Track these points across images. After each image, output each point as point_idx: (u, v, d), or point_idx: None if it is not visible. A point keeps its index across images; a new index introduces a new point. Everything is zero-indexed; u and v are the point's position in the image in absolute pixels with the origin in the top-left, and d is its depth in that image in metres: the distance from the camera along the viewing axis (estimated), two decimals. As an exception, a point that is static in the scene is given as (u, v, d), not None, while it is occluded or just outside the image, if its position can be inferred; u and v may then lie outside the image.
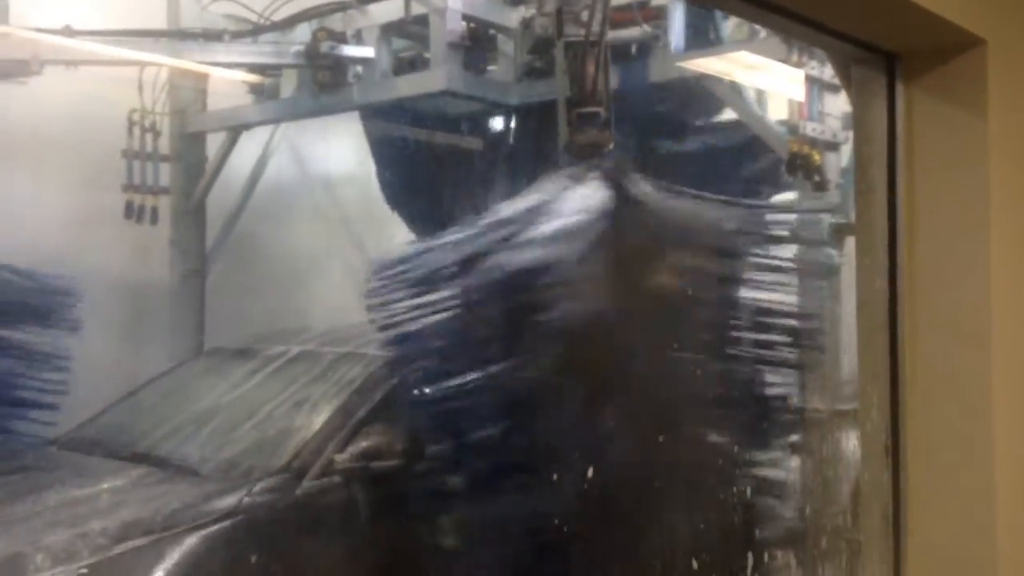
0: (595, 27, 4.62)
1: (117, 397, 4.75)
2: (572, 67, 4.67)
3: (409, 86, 5.68)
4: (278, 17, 5.93)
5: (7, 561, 3.06)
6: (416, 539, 3.62)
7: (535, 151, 6.24)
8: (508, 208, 3.99)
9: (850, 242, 4.94)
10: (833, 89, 4.76)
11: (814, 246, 4.82)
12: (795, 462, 3.91)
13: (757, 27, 5.06)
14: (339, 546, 3.59)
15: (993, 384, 2.55)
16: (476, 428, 3.69)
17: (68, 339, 5.31)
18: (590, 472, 3.40)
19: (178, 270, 6.53)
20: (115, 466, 3.88)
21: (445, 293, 3.80)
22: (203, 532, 3.30)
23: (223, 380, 4.50)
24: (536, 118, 6.03)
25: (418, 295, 3.85)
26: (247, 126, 6.50)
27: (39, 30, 5.20)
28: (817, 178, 4.79)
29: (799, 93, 4.74)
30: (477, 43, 5.51)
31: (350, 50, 5.68)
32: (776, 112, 5.12)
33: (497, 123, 6.44)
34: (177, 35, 5.86)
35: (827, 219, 4.81)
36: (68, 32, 5.13)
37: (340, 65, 5.71)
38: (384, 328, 3.89)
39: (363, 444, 3.71)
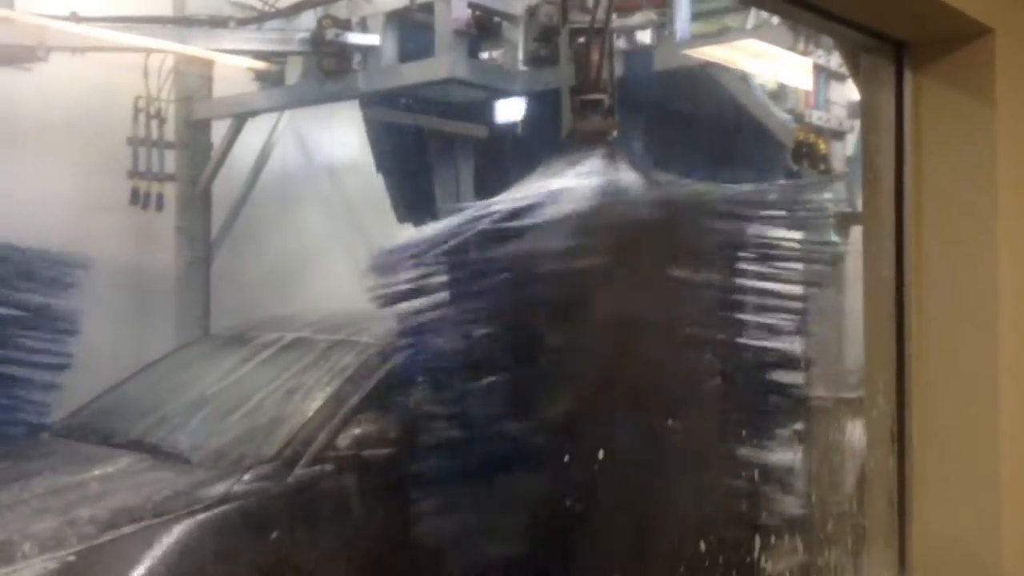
0: (600, 14, 4.62)
1: (113, 384, 4.75)
2: (576, 55, 4.67)
3: (414, 74, 5.68)
4: (283, 4, 5.93)
5: None
6: (409, 526, 3.57)
7: (539, 139, 6.26)
8: (508, 193, 3.98)
9: (855, 231, 4.97)
10: (839, 78, 4.76)
11: (816, 237, 4.83)
12: (801, 449, 3.93)
13: (762, 14, 5.08)
14: (331, 534, 3.58)
15: (999, 371, 2.57)
16: (475, 414, 3.69)
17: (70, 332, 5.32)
18: (597, 457, 3.40)
19: (184, 257, 6.55)
20: (106, 453, 3.86)
21: (445, 276, 3.80)
22: (193, 520, 3.29)
23: (216, 367, 4.49)
24: (540, 106, 6.05)
25: (420, 277, 3.85)
26: (252, 113, 6.50)
27: (45, 16, 5.19)
28: (822, 166, 4.80)
29: (805, 81, 4.74)
30: (482, 31, 5.51)
31: (355, 37, 5.68)
32: (782, 100, 5.13)
33: (501, 110, 6.45)
34: (183, 22, 5.86)
35: (832, 207, 4.82)
36: (74, 18, 5.13)
37: (345, 52, 5.71)
38: (387, 304, 3.89)
39: (356, 432, 3.71)
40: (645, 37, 5.61)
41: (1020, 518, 2.64)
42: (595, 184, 3.86)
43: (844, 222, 5.00)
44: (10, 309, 5.16)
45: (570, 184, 3.89)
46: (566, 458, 3.44)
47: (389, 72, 5.73)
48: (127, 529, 3.20)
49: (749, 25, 5.20)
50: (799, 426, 3.92)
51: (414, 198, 6.47)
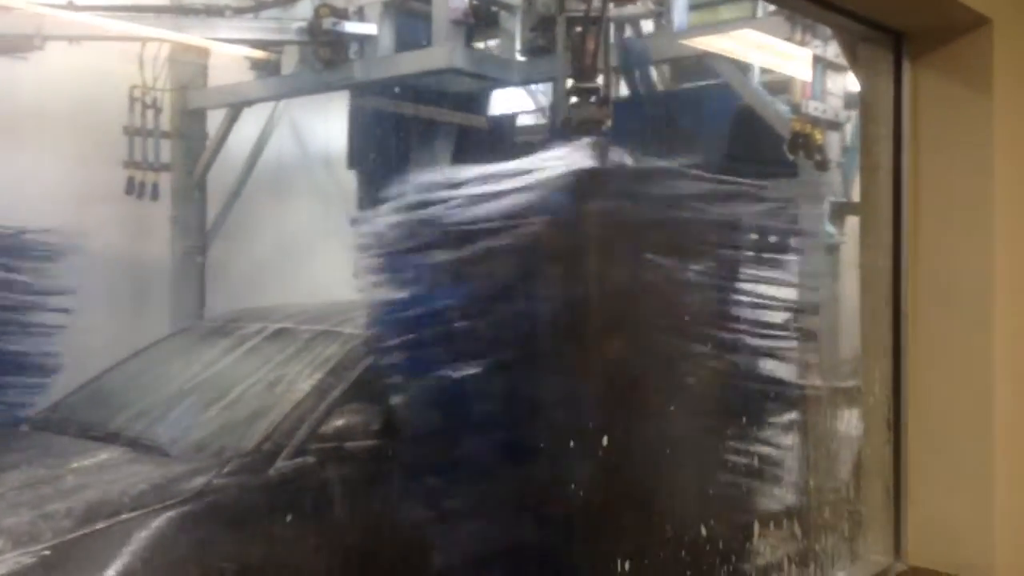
0: (596, 3, 4.63)
1: (92, 376, 4.71)
2: (572, 43, 4.67)
3: (411, 63, 5.67)
4: (279, -7, 5.92)
5: None
6: (395, 518, 3.56)
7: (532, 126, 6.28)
8: (496, 175, 3.97)
9: (850, 221, 4.99)
10: (835, 68, 4.77)
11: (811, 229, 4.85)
12: (798, 437, 3.95)
13: (759, 4, 5.09)
14: (313, 526, 3.54)
15: (994, 360, 2.59)
16: (460, 404, 3.68)
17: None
18: (590, 444, 3.40)
19: (179, 247, 6.53)
20: (85, 446, 3.82)
21: (430, 255, 3.78)
22: (170, 513, 3.24)
23: (197, 359, 4.44)
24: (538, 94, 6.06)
25: (404, 253, 3.84)
26: (248, 103, 6.49)
27: (42, 5, 5.17)
28: (818, 157, 4.81)
29: (802, 72, 4.75)
30: (480, 20, 5.51)
31: (352, 26, 5.67)
32: (779, 91, 5.14)
33: (496, 98, 6.46)
34: (179, 10, 5.84)
35: (828, 198, 4.84)
36: (71, 7, 5.11)
37: (342, 42, 5.70)
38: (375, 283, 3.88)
39: (338, 423, 3.68)
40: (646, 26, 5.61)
41: (1013, 504, 2.67)
42: (585, 168, 3.87)
43: (840, 212, 5.03)
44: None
45: (560, 168, 3.89)
46: (556, 447, 3.43)
47: (386, 62, 5.73)
48: (103, 523, 3.16)
49: (748, 15, 5.20)
50: (794, 415, 3.94)
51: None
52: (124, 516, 3.18)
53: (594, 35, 4.56)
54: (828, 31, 4.44)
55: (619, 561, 3.22)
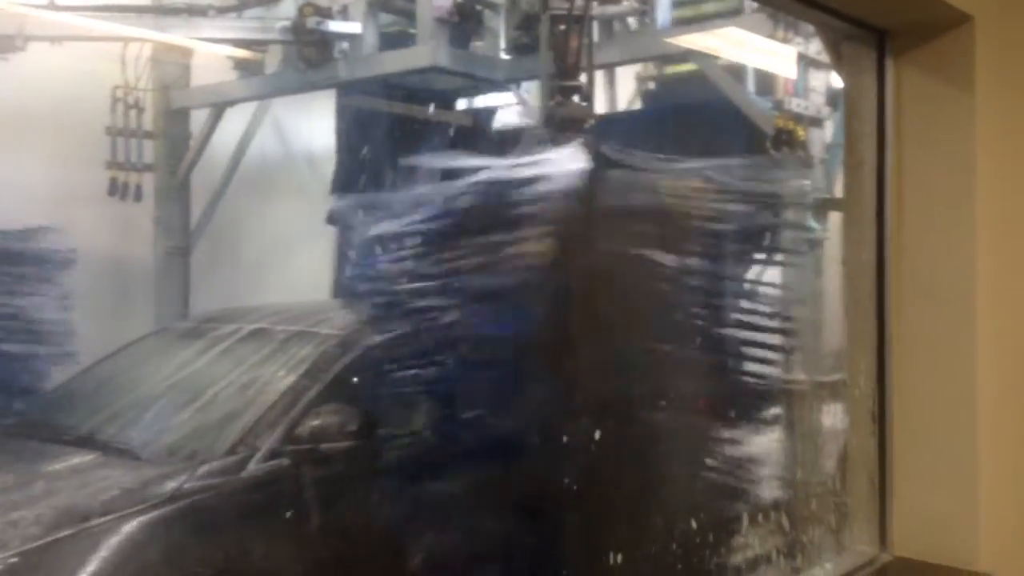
0: (579, 1, 4.65)
1: (65, 379, 4.65)
2: (556, 41, 4.69)
3: (396, 62, 5.68)
4: (263, -8, 5.91)
5: None
6: (372, 520, 3.55)
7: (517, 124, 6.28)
8: (480, 172, 3.97)
9: (833, 216, 5.04)
10: (818, 65, 4.82)
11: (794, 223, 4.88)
12: (785, 431, 3.99)
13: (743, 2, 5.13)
14: (287, 530, 3.49)
15: (977, 353, 2.63)
16: (440, 403, 3.67)
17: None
18: (579, 443, 3.41)
19: (162, 247, 6.52)
20: (55, 450, 3.77)
21: (418, 251, 3.78)
22: (141, 518, 3.19)
23: (171, 361, 4.39)
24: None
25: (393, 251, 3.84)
26: (232, 102, 6.48)
27: (23, 5, 5.15)
28: (801, 153, 4.85)
29: (785, 69, 4.79)
30: (464, 18, 5.52)
31: (336, 25, 5.67)
32: (762, 88, 5.17)
33: (479, 97, 6.48)
34: (161, 10, 5.82)
35: (811, 193, 4.89)
36: (52, 7, 5.09)
37: (326, 41, 5.70)
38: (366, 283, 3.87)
39: (314, 425, 3.64)
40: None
41: (997, 495, 2.71)
42: (568, 166, 3.88)
43: (823, 208, 5.07)
44: None
45: (542, 164, 3.90)
46: (536, 446, 3.43)
47: (370, 60, 5.73)
48: (72, 529, 3.11)
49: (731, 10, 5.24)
50: (781, 409, 3.98)
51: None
52: (94, 522, 3.13)
53: (577, 33, 4.58)
54: (810, 28, 4.49)
55: (610, 555, 3.24)
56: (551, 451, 3.43)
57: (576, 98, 4.53)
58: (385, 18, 5.95)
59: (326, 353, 3.96)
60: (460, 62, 5.67)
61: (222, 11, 5.86)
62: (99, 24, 5.38)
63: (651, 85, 6.79)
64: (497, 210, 3.68)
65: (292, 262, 6.88)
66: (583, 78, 4.57)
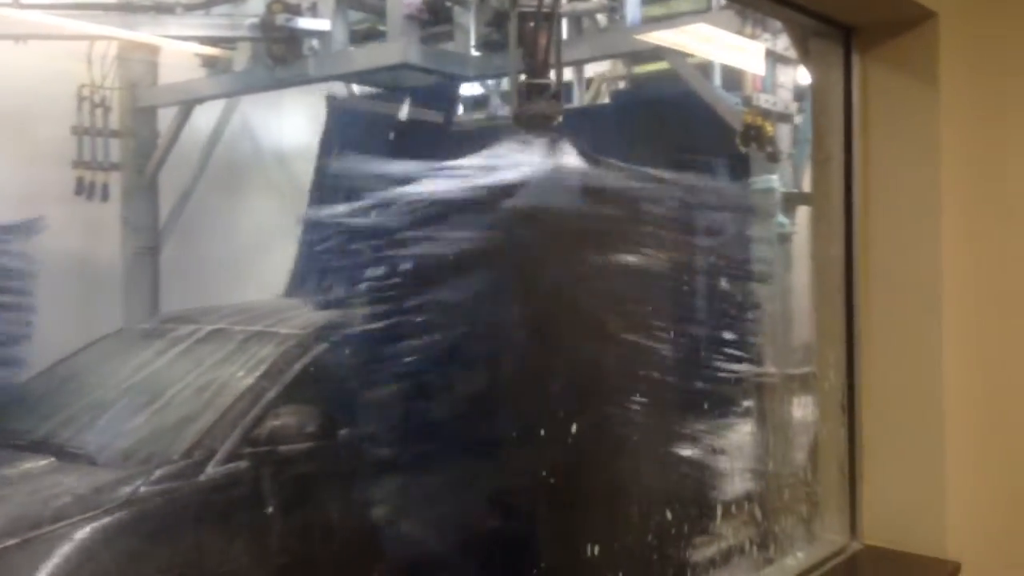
0: (547, -1, 4.65)
1: (18, 383, 4.57)
2: (525, 39, 4.69)
3: (365, 59, 5.66)
4: (231, -11, 5.87)
5: None
6: (332, 521, 3.53)
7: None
8: (451, 168, 3.97)
9: (801, 211, 5.09)
10: (786, 61, 4.86)
11: (764, 218, 4.93)
12: (756, 423, 4.03)
13: None
14: (245, 533, 3.46)
15: (943, 345, 2.67)
16: (404, 401, 3.65)
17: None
18: (544, 441, 3.40)
19: (130, 247, 6.46)
20: (8, 456, 3.69)
21: (384, 248, 3.77)
22: (95, 524, 3.14)
23: (129, 362, 4.34)
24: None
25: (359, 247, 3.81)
26: (200, 100, 6.43)
27: (-14, 2, 5.08)
28: (769, 149, 4.90)
29: (753, 65, 4.83)
30: (434, 15, 5.51)
31: (305, 22, 5.64)
32: (730, 84, 5.21)
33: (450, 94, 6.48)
34: (128, 8, 5.76)
35: (779, 189, 4.93)
36: (16, 5, 5.02)
37: (295, 37, 5.67)
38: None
39: (272, 427, 3.59)
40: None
41: (963, 485, 2.76)
42: (535, 165, 3.89)
43: (791, 203, 5.12)
44: None
45: (510, 162, 3.90)
46: (500, 447, 3.42)
47: (340, 57, 5.71)
48: (22, 537, 3.05)
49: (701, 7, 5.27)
50: (752, 402, 4.02)
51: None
52: (45, 529, 3.07)
53: (546, 31, 4.58)
54: (777, 24, 4.53)
55: (587, 547, 3.26)
56: (523, 446, 3.43)
57: (544, 96, 4.53)
58: (355, 15, 5.93)
59: (286, 353, 3.91)
60: (430, 59, 5.66)
61: (190, 8, 5.82)
62: (65, 22, 5.32)
63: (619, 84, 6.83)
64: (462, 208, 3.68)
65: (263, 261, 6.84)
66: (552, 75, 4.58)
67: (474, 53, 5.81)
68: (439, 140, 6.13)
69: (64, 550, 3.05)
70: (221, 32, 5.89)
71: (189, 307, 5.06)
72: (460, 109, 6.82)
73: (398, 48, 5.43)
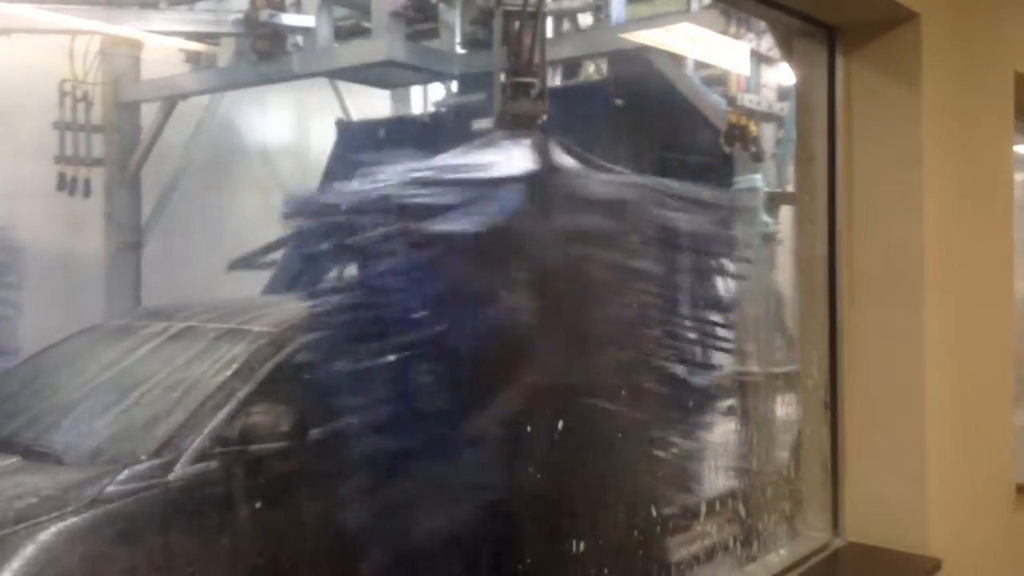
0: (532, -3, 4.65)
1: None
2: (509, 37, 4.70)
3: (350, 55, 5.65)
4: (215, -16, 5.85)
5: None
6: (305, 523, 3.48)
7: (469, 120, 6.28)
8: (431, 164, 3.96)
9: (785, 210, 5.12)
10: (769, 61, 4.89)
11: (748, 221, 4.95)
12: (740, 421, 4.05)
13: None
14: (216, 534, 3.38)
15: (925, 343, 2.69)
16: (381, 399, 3.63)
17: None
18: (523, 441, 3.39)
19: (112, 243, 6.43)
20: None
21: (364, 238, 3.75)
22: (59, 525, 3.05)
23: (98, 359, 4.21)
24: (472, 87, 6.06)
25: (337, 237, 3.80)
26: (183, 96, 6.40)
27: (-33, -3, 5.04)
28: (753, 148, 4.92)
29: (738, 65, 4.85)
30: (420, 12, 5.51)
31: (289, 18, 5.63)
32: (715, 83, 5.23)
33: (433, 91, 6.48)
34: (111, 2, 5.73)
35: (763, 188, 4.96)
36: (-2, -2, 4.99)
37: (279, 34, 5.66)
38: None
39: (243, 426, 3.52)
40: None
41: (945, 482, 2.79)
42: (518, 163, 3.89)
43: (774, 202, 5.15)
44: None
45: (493, 160, 3.90)
46: (477, 446, 3.41)
47: (325, 54, 5.70)
48: None
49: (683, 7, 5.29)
50: (736, 400, 4.04)
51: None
52: (8, 530, 2.99)
53: (531, 29, 4.59)
54: (761, 25, 4.55)
55: (573, 543, 3.26)
56: (507, 443, 3.43)
57: (529, 95, 4.54)
58: (339, 11, 5.92)
59: (258, 351, 3.83)
60: (415, 56, 5.66)
61: (173, 3, 5.79)
62: (47, 16, 5.28)
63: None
64: (444, 206, 3.67)
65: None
66: (537, 74, 4.58)
67: (459, 51, 5.80)
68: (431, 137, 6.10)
69: (27, 552, 2.98)
70: (205, 28, 5.88)
71: (161, 303, 5.01)
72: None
73: (383, 45, 5.42)
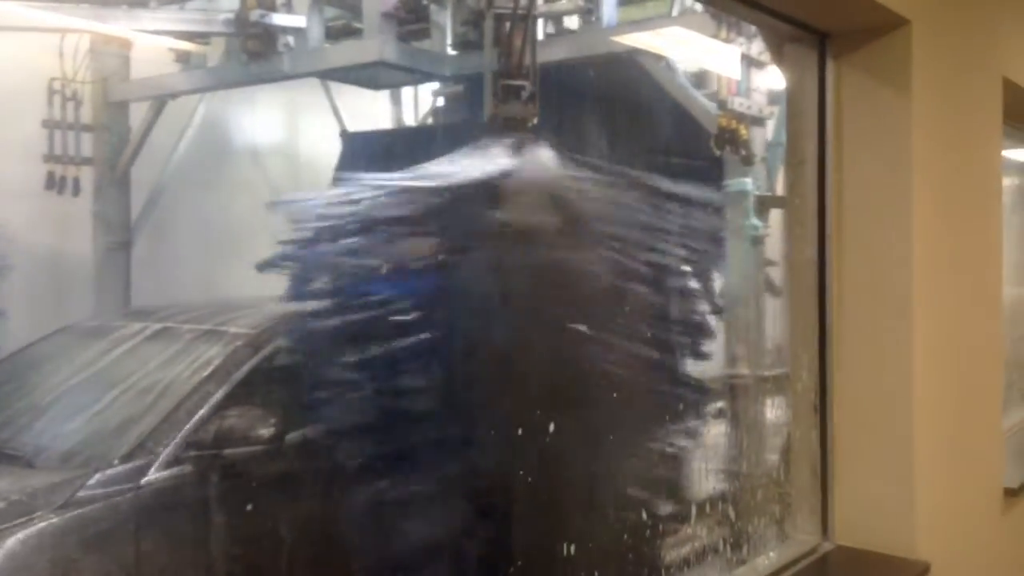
0: (523, 0, 4.65)
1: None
2: (500, 40, 4.69)
3: (341, 56, 5.64)
4: (206, -17, 5.83)
5: None
6: (279, 528, 3.44)
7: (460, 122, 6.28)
8: (421, 169, 3.96)
9: (774, 214, 5.13)
10: (759, 65, 4.90)
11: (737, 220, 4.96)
12: (730, 424, 4.06)
13: (685, 2, 5.19)
14: (189, 540, 3.36)
15: (914, 347, 2.71)
16: (356, 405, 3.61)
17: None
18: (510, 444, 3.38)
19: (101, 243, 6.39)
20: None
21: (349, 243, 3.74)
22: (27, 531, 3.02)
23: (73, 361, 4.17)
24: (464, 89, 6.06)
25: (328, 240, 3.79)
26: (173, 95, 6.37)
27: (-45, -6, 5.00)
28: (743, 152, 4.93)
29: (728, 69, 4.86)
30: (411, 13, 5.50)
31: (280, 18, 5.61)
32: (705, 87, 5.24)
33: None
34: (101, 1, 5.70)
35: (753, 192, 4.97)
36: (-14, -5, 4.95)
37: (270, 34, 5.64)
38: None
39: (217, 430, 3.49)
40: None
41: (933, 486, 2.80)
42: (507, 167, 3.89)
43: (764, 205, 5.17)
44: None
45: (483, 164, 3.90)
46: (456, 449, 3.40)
47: (316, 54, 5.68)
48: None
49: (674, 12, 5.30)
50: (726, 403, 4.05)
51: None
52: None
53: (521, 32, 4.59)
54: (752, 29, 4.57)
55: (560, 546, 3.26)
56: (486, 448, 3.41)
57: (519, 97, 4.54)
58: (330, 11, 5.90)
59: (234, 353, 3.80)
60: (406, 57, 5.65)
61: (163, 2, 5.77)
62: (36, 14, 5.25)
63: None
64: (429, 210, 3.67)
65: (235, 257, 6.79)
66: (527, 77, 4.58)
67: (450, 52, 5.80)
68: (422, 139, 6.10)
69: None
70: (195, 27, 5.84)
71: (140, 304, 4.97)
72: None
73: (374, 45, 5.40)
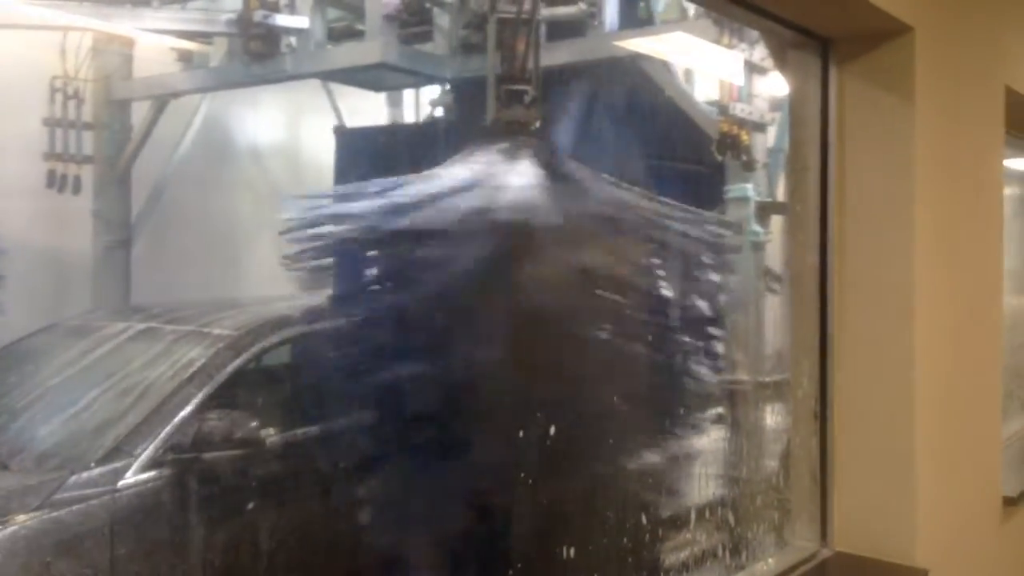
0: (527, 4, 4.66)
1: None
2: (503, 45, 4.70)
3: (344, 57, 5.64)
4: (208, -17, 5.83)
5: None
6: (254, 533, 3.43)
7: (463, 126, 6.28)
8: (427, 176, 3.96)
9: (775, 220, 5.14)
10: (761, 71, 4.90)
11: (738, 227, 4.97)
12: (730, 429, 4.06)
13: (688, 7, 5.20)
14: (167, 544, 3.32)
15: (915, 354, 2.71)
16: (338, 408, 3.60)
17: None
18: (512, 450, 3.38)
19: (101, 241, 6.39)
20: None
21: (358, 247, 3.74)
22: (2, 533, 3.00)
23: (52, 361, 4.15)
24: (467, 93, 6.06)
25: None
26: (175, 95, 6.37)
27: (-42, -9, 5.01)
28: (745, 157, 4.94)
29: (730, 74, 4.87)
30: (413, 16, 5.51)
31: (283, 19, 5.62)
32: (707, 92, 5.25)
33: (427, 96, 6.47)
34: (104, -1, 5.71)
35: (754, 197, 4.97)
36: (-11, -7, 4.96)
37: (272, 34, 5.64)
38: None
39: (197, 433, 3.46)
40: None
41: (934, 493, 2.80)
42: (515, 171, 3.89)
43: (765, 211, 5.17)
44: None
45: (489, 171, 3.90)
46: (439, 455, 3.39)
47: (318, 55, 5.68)
48: None
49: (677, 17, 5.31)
50: (726, 408, 4.05)
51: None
52: None
53: (524, 36, 4.60)
54: (754, 35, 4.57)
55: (560, 549, 3.26)
56: (469, 454, 3.40)
57: (522, 101, 4.55)
58: (333, 13, 5.91)
59: (217, 355, 3.75)
60: (408, 59, 5.65)
61: (166, 1, 5.77)
62: (38, 12, 5.25)
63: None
64: (428, 218, 3.67)
65: (238, 256, 6.79)
66: (530, 81, 4.59)
67: (453, 55, 5.80)
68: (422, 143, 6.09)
69: None
70: (197, 27, 5.85)
71: (123, 304, 4.94)
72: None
73: (377, 47, 5.41)
